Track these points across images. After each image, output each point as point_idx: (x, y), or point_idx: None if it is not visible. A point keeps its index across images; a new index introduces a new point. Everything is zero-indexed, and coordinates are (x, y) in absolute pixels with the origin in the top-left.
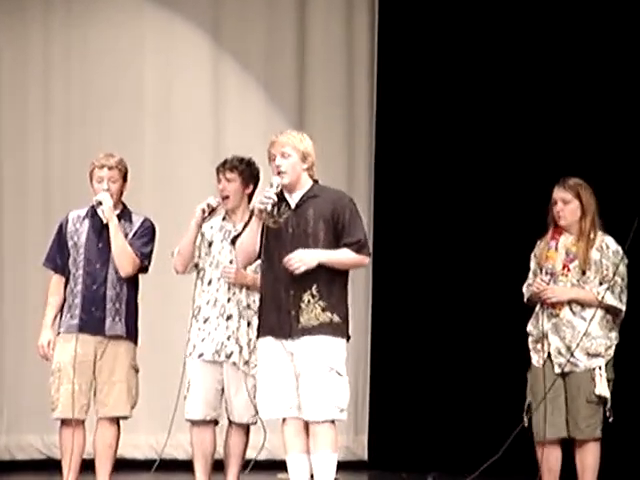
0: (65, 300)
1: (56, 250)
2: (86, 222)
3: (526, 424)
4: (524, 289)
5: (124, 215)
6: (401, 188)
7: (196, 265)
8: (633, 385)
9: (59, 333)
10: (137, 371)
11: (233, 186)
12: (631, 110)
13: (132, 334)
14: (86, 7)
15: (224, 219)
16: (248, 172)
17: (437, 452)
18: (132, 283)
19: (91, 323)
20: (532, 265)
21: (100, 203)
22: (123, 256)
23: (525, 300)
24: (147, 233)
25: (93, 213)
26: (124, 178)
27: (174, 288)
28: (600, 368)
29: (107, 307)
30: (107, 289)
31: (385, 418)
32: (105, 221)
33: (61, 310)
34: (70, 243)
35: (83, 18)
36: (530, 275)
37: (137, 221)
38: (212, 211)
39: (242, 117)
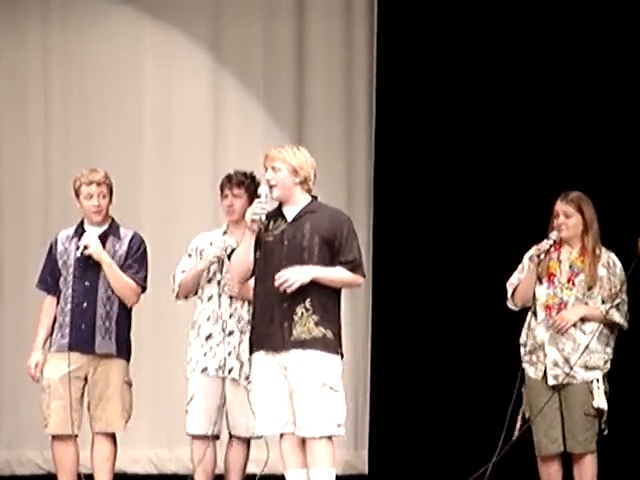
0: (56, 320)
1: (47, 271)
2: (75, 241)
3: (515, 436)
4: (510, 286)
5: (112, 230)
6: (401, 202)
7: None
8: (626, 398)
9: (50, 351)
10: (130, 385)
11: (240, 202)
12: (635, 121)
13: (123, 351)
14: (85, 21)
15: (225, 233)
16: (253, 187)
17: (438, 466)
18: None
19: (81, 341)
20: (526, 266)
21: (86, 247)
22: (125, 290)
23: (510, 295)
24: (139, 254)
25: (81, 232)
26: (111, 192)
27: (174, 304)
28: (597, 381)
29: (97, 325)
30: (97, 307)
31: (385, 432)
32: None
33: (52, 329)
34: (60, 262)
35: (82, 33)
36: (517, 275)
37: (126, 237)
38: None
39: (241, 133)
